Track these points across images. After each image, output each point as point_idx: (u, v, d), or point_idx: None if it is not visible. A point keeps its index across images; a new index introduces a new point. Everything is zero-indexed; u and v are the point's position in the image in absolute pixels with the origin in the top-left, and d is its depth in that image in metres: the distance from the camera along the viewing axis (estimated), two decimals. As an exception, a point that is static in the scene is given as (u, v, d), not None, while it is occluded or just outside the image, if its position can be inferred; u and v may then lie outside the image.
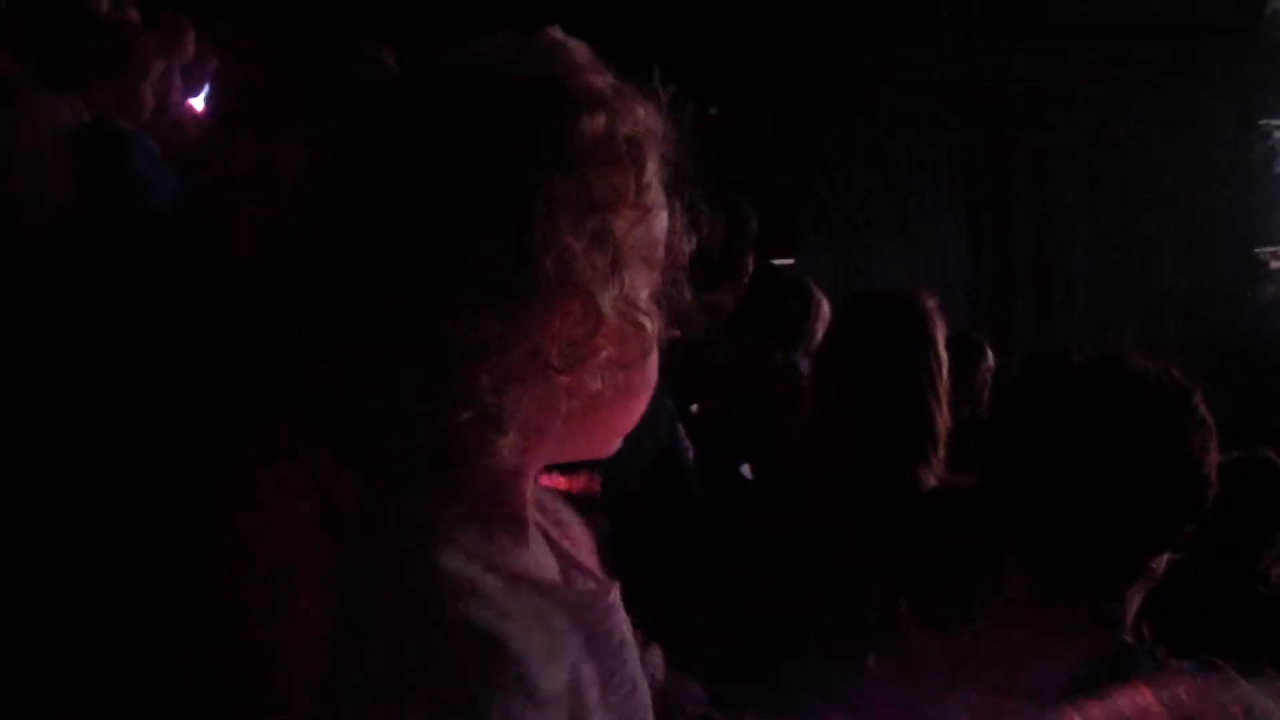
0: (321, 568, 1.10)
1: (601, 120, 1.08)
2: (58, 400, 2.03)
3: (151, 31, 4.63)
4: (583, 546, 1.35)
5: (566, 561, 1.28)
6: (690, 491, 3.73)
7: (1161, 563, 1.96)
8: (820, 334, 4.48)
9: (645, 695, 1.24)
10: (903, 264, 8.49)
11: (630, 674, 1.22)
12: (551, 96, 1.09)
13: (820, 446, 2.90)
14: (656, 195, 1.13)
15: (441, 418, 1.05)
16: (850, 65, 10.11)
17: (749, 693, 2.28)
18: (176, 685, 1.69)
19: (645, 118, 1.12)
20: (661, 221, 1.14)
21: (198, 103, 4.98)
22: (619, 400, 1.15)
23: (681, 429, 3.82)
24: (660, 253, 1.14)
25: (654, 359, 1.17)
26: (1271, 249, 10.31)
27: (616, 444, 1.21)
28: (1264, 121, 10.22)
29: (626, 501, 3.14)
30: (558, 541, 1.30)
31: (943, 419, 2.85)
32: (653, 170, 1.12)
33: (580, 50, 1.13)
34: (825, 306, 4.96)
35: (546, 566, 1.22)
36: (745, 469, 4.21)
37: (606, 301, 1.08)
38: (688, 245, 1.17)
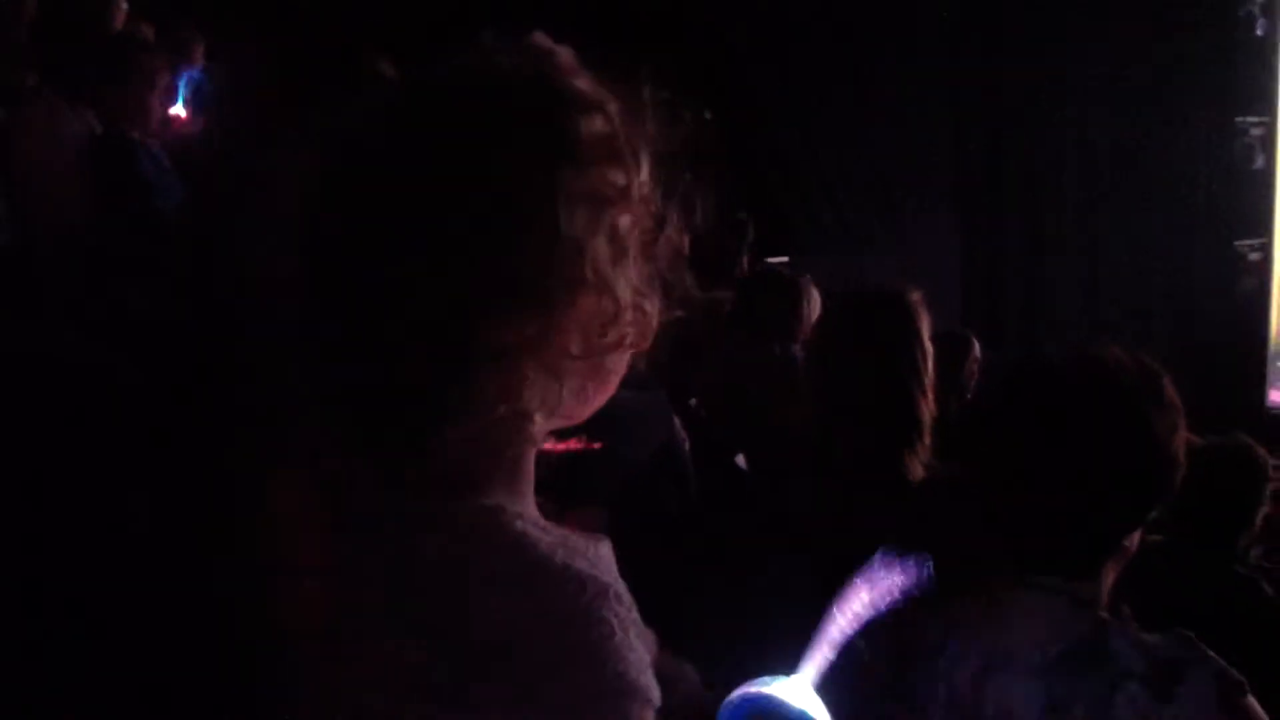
0: (326, 565, 1.15)
1: (597, 120, 1.13)
2: (76, 402, 2.05)
3: (162, 44, 4.71)
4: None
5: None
6: (687, 483, 3.78)
7: (1134, 541, 2.03)
8: (811, 320, 4.56)
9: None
10: (895, 265, 8.52)
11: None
12: (551, 97, 1.12)
13: (811, 437, 2.98)
14: (652, 190, 1.18)
15: (480, 415, 1.10)
16: (844, 68, 10.17)
17: (741, 675, 2.34)
18: (193, 680, 1.74)
19: (634, 118, 1.17)
20: (658, 215, 1.19)
21: (178, 109, 5.00)
22: (615, 374, 1.22)
23: (678, 422, 3.88)
24: (658, 242, 1.19)
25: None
26: (1250, 242, 10.40)
27: (590, 413, 1.25)
28: (1241, 119, 10.30)
29: (624, 494, 3.22)
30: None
31: (928, 409, 2.91)
32: (646, 165, 1.17)
33: (566, 54, 1.17)
34: (818, 299, 5.03)
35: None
36: (740, 460, 4.26)
37: (623, 292, 1.14)
38: (680, 237, 1.22)
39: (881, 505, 2.78)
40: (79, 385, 2.11)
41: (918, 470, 2.87)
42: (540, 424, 1.16)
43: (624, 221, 1.15)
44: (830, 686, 1.54)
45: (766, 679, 1.54)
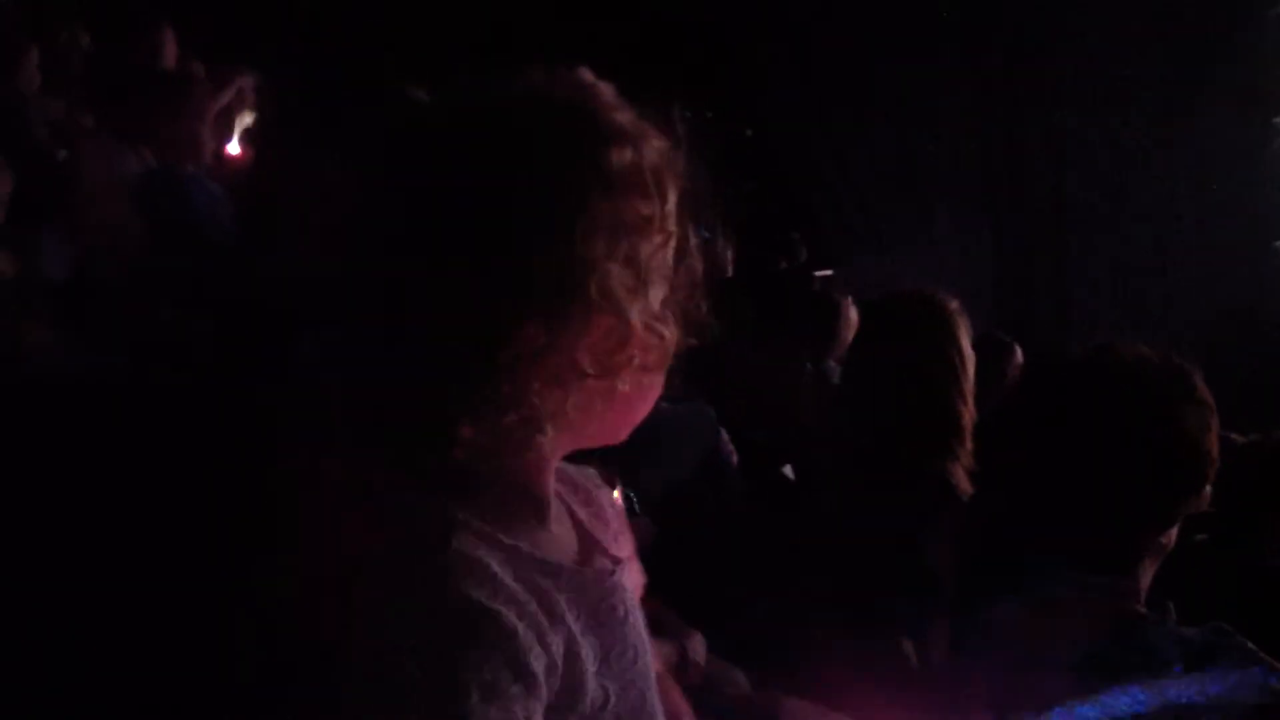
0: (357, 561, 1.20)
1: (629, 152, 1.19)
2: (135, 428, 2.14)
3: (211, 80, 4.81)
4: (608, 524, 1.45)
5: (587, 541, 1.38)
6: (733, 493, 3.83)
7: (1171, 537, 2.04)
8: (848, 339, 4.58)
9: (647, 663, 1.34)
10: (927, 268, 8.55)
11: (632, 644, 1.31)
12: (586, 129, 1.19)
13: (851, 445, 3.02)
14: (676, 221, 1.24)
15: (491, 419, 1.17)
16: (872, 76, 10.19)
17: (788, 678, 2.38)
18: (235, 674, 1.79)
19: (665, 150, 1.23)
20: (680, 244, 1.25)
21: (232, 147, 5.10)
22: (638, 399, 1.27)
23: (725, 434, 3.93)
24: (678, 272, 1.26)
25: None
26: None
27: (626, 434, 1.32)
28: (1277, 119, 10.25)
29: (669, 504, 3.27)
30: (583, 521, 1.40)
31: (968, 414, 2.95)
32: (673, 198, 1.23)
33: (606, 89, 1.24)
34: (853, 313, 5.06)
35: (565, 546, 1.33)
36: (788, 469, 4.29)
37: (635, 316, 1.20)
38: (700, 265, 1.28)
39: (923, 511, 2.82)
40: (132, 407, 2.17)
41: (958, 475, 2.90)
42: (550, 438, 1.22)
43: (645, 249, 1.21)
44: None
45: None
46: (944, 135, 10.64)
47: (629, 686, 1.30)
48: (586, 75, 1.26)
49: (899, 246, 10.25)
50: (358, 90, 2.32)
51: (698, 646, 2.29)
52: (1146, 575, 2.05)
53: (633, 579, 1.42)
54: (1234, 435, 3.78)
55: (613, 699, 1.26)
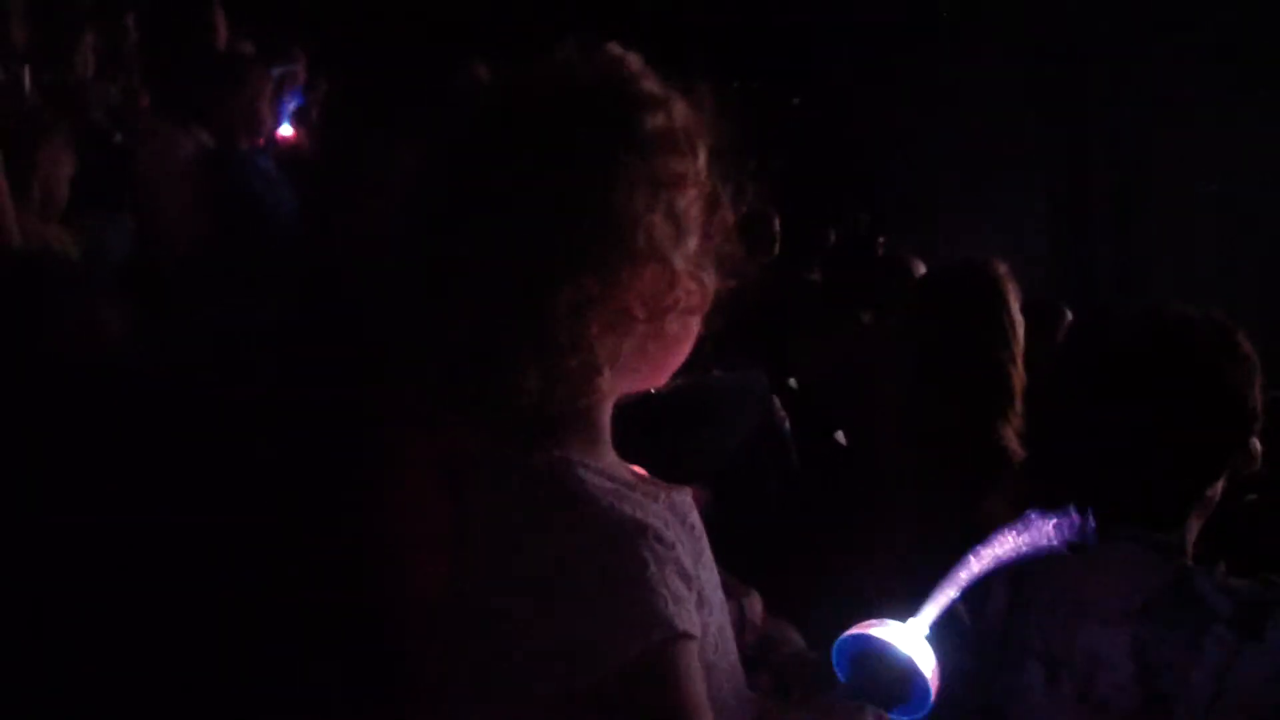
0: (444, 530, 1.33)
1: (661, 116, 1.32)
2: (205, 412, 2.18)
3: (263, 59, 4.88)
4: (636, 467, 1.55)
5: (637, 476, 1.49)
6: (787, 460, 3.88)
7: (1217, 490, 2.08)
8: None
9: (718, 574, 1.46)
10: (982, 236, 8.54)
11: (710, 557, 1.44)
12: (619, 97, 1.33)
13: (904, 411, 3.06)
14: (707, 175, 1.36)
15: (553, 365, 1.28)
16: (924, 42, 10.16)
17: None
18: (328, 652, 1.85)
19: (692, 111, 1.36)
20: (712, 195, 1.37)
21: (285, 129, 5.19)
22: (685, 338, 1.40)
23: (777, 402, 3.98)
24: (711, 221, 1.37)
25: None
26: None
27: (669, 375, 1.43)
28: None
29: (726, 472, 3.32)
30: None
31: (1019, 377, 2.98)
32: (703, 155, 1.35)
33: (634, 59, 1.38)
34: (922, 269, 5.07)
35: (630, 475, 1.43)
36: (840, 435, 4.33)
37: (679, 263, 1.32)
38: (731, 214, 1.39)
39: (977, 474, 2.85)
40: (193, 391, 2.25)
41: (1010, 438, 2.93)
42: (608, 378, 1.33)
43: (682, 202, 1.33)
44: (941, 632, 1.61)
45: (882, 620, 1.60)
46: (997, 100, 10.58)
47: (714, 591, 1.42)
48: (615, 48, 1.38)
49: (953, 213, 10.23)
50: (418, 68, 2.37)
51: (756, 606, 2.33)
52: (1193, 529, 2.08)
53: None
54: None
55: (709, 606, 1.38)
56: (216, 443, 2.13)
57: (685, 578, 1.27)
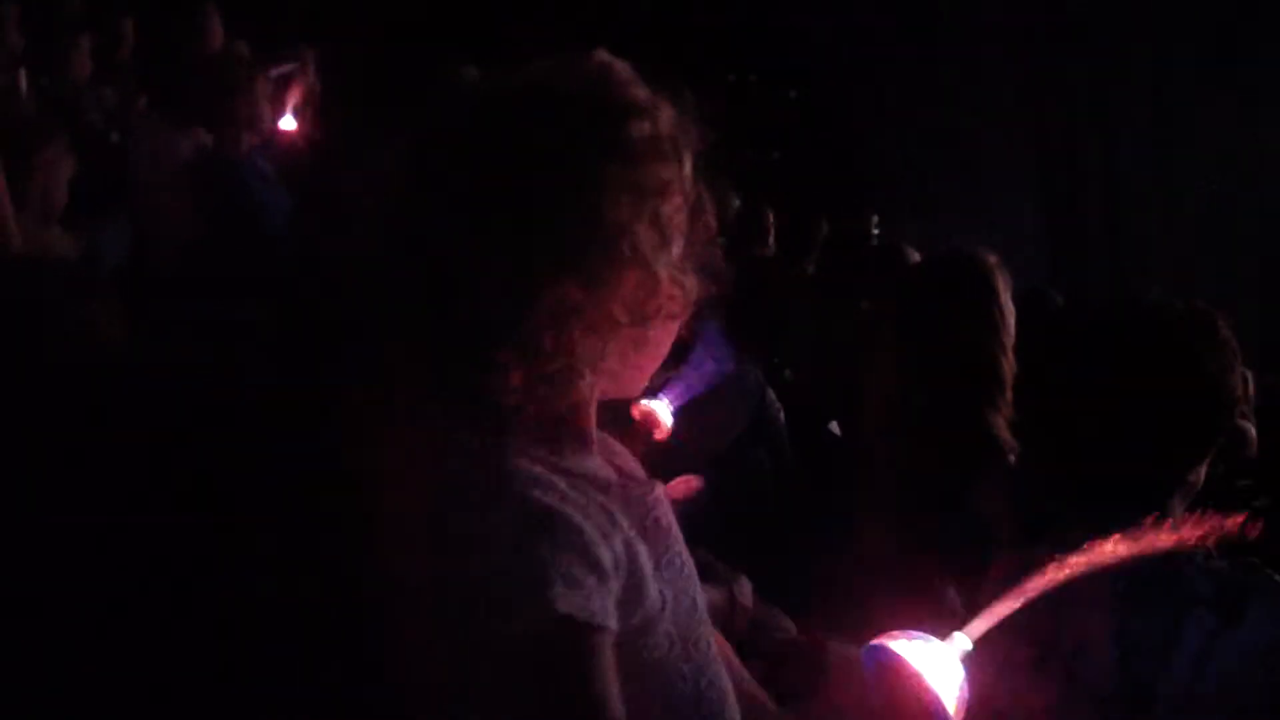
0: (425, 511, 1.34)
1: (647, 124, 1.34)
2: (202, 412, 2.21)
3: (260, 60, 4.89)
4: (632, 463, 1.59)
5: (620, 471, 1.52)
6: (782, 451, 3.90)
7: (1199, 475, 2.10)
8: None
9: (693, 572, 1.48)
10: (976, 227, 8.55)
11: (678, 552, 1.45)
12: (605, 105, 1.34)
13: (893, 399, 3.08)
14: (692, 182, 1.38)
15: (538, 367, 1.30)
16: (919, 31, 10.16)
17: (833, 625, 2.43)
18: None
19: (678, 118, 1.38)
20: (695, 201, 1.39)
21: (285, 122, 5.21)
22: (664, 343, 1.44)
23: (772, 394, 4.00)
24: (694, 227, 1.40)
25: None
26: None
27: (647, 380, 1.47)
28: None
29: (722, 463, 3.35)
30: (612, 458, 1.54)
31: (1008, 366, 3.00)
32: (688, 162, 1.37)
33: (623, 67, 1.39)
34: (916, 258, 5.08)
35: (605, 472, 1.46)
36: (833, 426, 4.35)
37: (662, 270, 1.34)
38: (714, 221, 1.42)
39: (968, 462, 2.86)
40: (190, 390, 2.28)
41: (999, 426, 2.95)
42: (589, 382, 1.36)
43: (667, 210, 1.35)
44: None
45: (923, 635, 1.48)
46: (991, 92, 10.58)
47: (681, 594, 1.43)
48: (603, 55, 1.40)
49: (947, 207, 10.23)
50: (409, 70, 2.39)
51: (746, 592, 2.37)
52: (1177, 512, 2.07)
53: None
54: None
55: (669, 603, 1.39)
56: (215, 442, 2.15)
57: (595, 569, 1.27)
